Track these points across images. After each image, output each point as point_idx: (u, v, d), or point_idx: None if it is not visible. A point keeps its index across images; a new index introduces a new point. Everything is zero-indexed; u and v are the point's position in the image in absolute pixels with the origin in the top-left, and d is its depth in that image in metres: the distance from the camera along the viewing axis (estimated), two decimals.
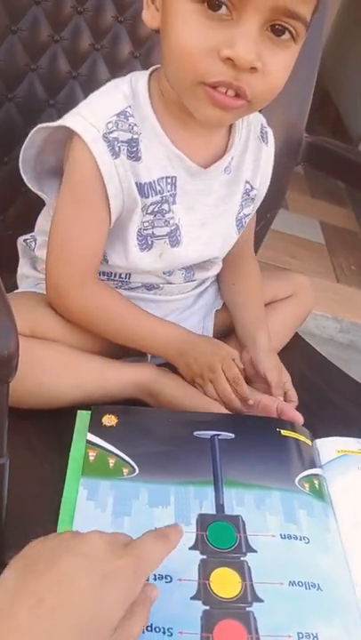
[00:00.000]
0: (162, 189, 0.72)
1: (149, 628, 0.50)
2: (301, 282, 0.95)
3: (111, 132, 0.68)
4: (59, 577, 0.40)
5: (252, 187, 0.81)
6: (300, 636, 0.51)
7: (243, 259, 0.88)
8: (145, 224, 0.73)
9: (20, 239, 0.85)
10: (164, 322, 0.78)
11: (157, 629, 0.50)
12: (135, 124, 0.69)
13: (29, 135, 0.73)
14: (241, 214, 0.82)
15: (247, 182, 0.80)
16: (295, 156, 1.00)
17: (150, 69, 0.72)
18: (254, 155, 0.80)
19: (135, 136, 0.69)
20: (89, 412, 0.69)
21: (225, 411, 0.74)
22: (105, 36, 0.87)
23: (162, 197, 0.72)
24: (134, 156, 0.69)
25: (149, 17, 0.66)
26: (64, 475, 0.63)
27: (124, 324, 0.75)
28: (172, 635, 0.50)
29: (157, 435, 0.68)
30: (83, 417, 0.69)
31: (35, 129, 0.72)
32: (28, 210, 0.84)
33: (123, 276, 0.79)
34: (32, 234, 0.85)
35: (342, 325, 1.83)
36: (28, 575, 0.40)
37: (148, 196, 0.72)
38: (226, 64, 0.60)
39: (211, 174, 0.75)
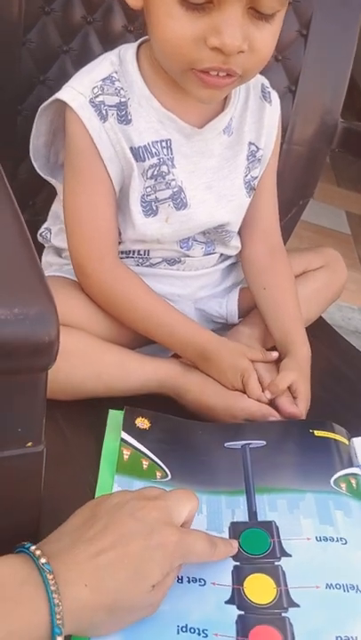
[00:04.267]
0: (158, 152, 0.72)
1: (184, 629, 0.50)
2: (333, 254, 0.92)
3: (97, 96, 0.69)
4: (117, 537, 0.47)
5: (257, 147, 0.80)
6: (340, 639, 0.49)
7: (272, 254, 0.84)
8: (147, 190, 0.73)
9: (38, 233, 0.85)
10: (186, 320, 0.76)
11: (192, 630, 0.50)
12: (122, 88, 0.70)
13: (35, 121, 0.74)
14: (249, 177, 0.80)
15: (252, 144, 0.79)
16: (330, 142, 0.98)
17: (139, 41, 0.73)
18: (257, 115, 0.79)
19: (123, 99, 0.70)
20: (121, 411, 0.68)
21: (253, 402, 0.72)
22: (137, 17, 0.84)
23: (159, 159, 0.72)
24: (124, 119, 0.70)
25: None
26: (96, 465, 0.63)
27: (144, 313, 0.74)
28: (207, 636, 0.49)
29: (189, 444, 0.67)
30: (114, 416, 0.69)
31: (38, 113, 0.73)
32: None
33: (141, 252, 0.78)
34: (45, 225, 0.84)
35: None
36: (94, 527, 0.48)
37: (144, 159, 0.72)
38: (214, 51, 0.61)
39: (207, 134, 0.74)
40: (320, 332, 0.92)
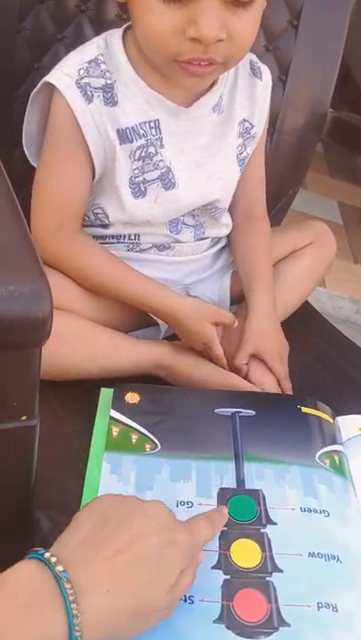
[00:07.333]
0: (145, 132, 0.73)
1: None
2: (321, 229, 0.93)
3: (82, 77, 0.70)
4: (134, 535, 0.45)
5: (251, 124, 0.81)
6: (320, 605, 0.52)
7: (252, 220, 0.86)
8: (135, 171, 0.74)
9: None
10: (146, 282, 0.76)
11: None
12: (108, 70, 0.72)
13: (27, 108, 0.75)
14: (244, 154, 0.82)
15: (245, 120, 0.80)
16: (319, 132, 0.99)
17: (125, 25, 0.74)
18: (247, 92, 0.80)
19: (109, 81, 0.71)
20: (111, 389, 0.70)
21: (245, 382, 0.74)
22: None
23: (147, 140, 0.73)
24: (110, 101, 0.71)
25: None
26: (88, 443, 0.65)
27: (103, 276, 0.75)
28: (193, 602, 0.52)
29: (179, 412, 0.68)
30: (106, 394, 0.70)
31: (29, 100, 0.74)
32: None
33: (132, 237, 0.79)
34: None
35: (359, 307, 1.82)
36: (105, 528, 0.46)
37: (132, 141, 0.73)
38: (193, 42, 0.63)
39: (195, 113, 0.75)
40: (308, 318, 0.94)
